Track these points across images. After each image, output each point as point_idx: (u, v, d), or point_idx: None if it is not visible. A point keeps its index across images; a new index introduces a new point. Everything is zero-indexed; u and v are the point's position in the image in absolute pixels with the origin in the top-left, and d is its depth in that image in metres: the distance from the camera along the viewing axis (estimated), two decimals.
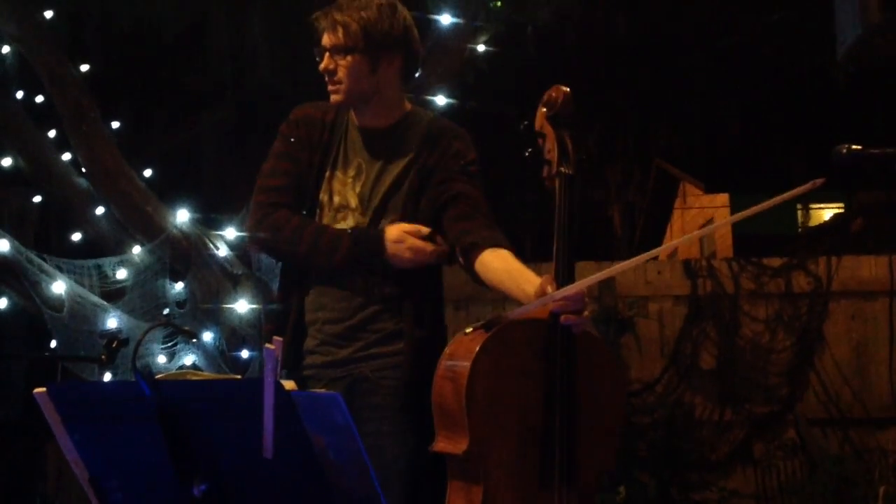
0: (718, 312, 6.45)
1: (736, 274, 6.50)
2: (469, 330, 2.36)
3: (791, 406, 6.33)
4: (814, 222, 15.98)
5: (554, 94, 2.46)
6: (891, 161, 2.22)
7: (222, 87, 8.09)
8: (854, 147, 2.23)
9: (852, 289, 6.49)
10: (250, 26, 7.44)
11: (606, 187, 15.91)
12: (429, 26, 5.76)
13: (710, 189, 16.83)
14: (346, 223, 2.73)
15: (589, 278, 2.31)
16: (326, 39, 2.72)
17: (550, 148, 2.40)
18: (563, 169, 2.37)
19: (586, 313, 2.31)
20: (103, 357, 2.96)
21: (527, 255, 2.61)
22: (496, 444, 2.26)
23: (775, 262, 6.56)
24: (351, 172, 2.77)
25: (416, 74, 2.86)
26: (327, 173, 2.78)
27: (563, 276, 2.33)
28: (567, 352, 2.30)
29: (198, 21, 7.44)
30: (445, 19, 5.67)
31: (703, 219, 18.25)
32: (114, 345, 2.97)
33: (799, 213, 16.44)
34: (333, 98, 2.76)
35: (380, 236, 2.65)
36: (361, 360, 2.67)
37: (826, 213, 16.35)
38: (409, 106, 2.86)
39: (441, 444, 2.34)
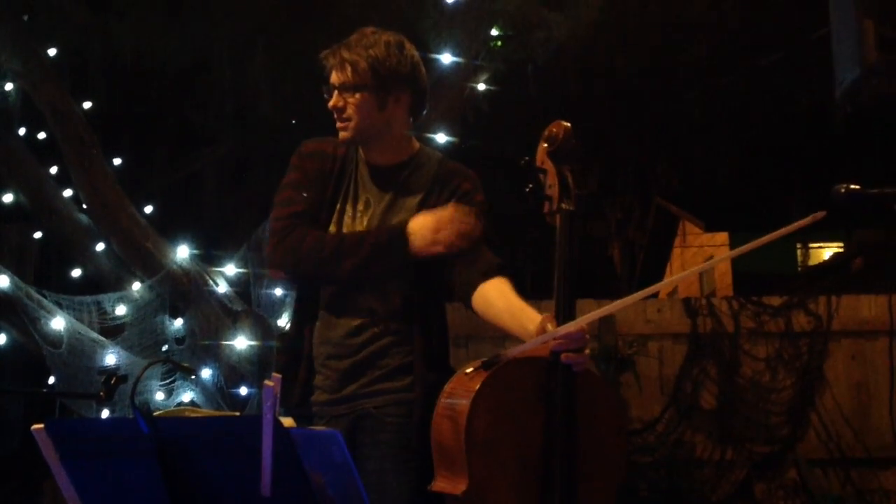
0: (719, 351, 6.43)
1: (736, 312, 6.50)
2: (469, 370, 2.35)
3: (792, 446, 6.30)
4: (813, 261, 15.99)
5: (555, 130, 2.45)
6: (889, 200, 2.23)
7: (223, 124, 8.13)
8: (852, 187, 2.23)
9: (852, 328, 6.48)
10: (252, 63, 7.50)
11: (606, 225, 15.95)
12: (429, 65, 5.80)
13: (710, 227, 16.86)
14: None
15: (589, 315, 2.31)
16: (335, 77, 2.73)
17: (552, 184, 2.39)
18: (563, 205, 2.37)
19: (587, 351, 2.31)
20: (102, 394, 2.95)
21: (527, 292, 2.60)
22: (495, 484, 2.24)
23: (775, 300, 6.56)
24: (360, 207, 2.77)
25: (424, 112, 2.87)
26: (338, 206, 2.79)
27: (564, 314, 2.32)
28: (567, 391, 2.29)
29: (200, 57, 7.49)
30: (446, 58, 5.71)
31: (702, 257, 18.27)
32: (112, 381, 2.95)
33: (799, 252, 16.47)
34: (342, 135, 2.77)
35: (403, 227, 2.64)
36: (365, 395, 2.66)
37: (826, 252, 16.37)
38: (417, 145, 2.87)
39: (440, 484, 2.32)
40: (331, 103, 2.76)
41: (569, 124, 2.43)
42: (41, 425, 1.96)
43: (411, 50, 2.77)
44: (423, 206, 2.73)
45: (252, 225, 6.02)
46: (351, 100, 2.72)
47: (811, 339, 6.45)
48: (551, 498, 2.26)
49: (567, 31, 6.15)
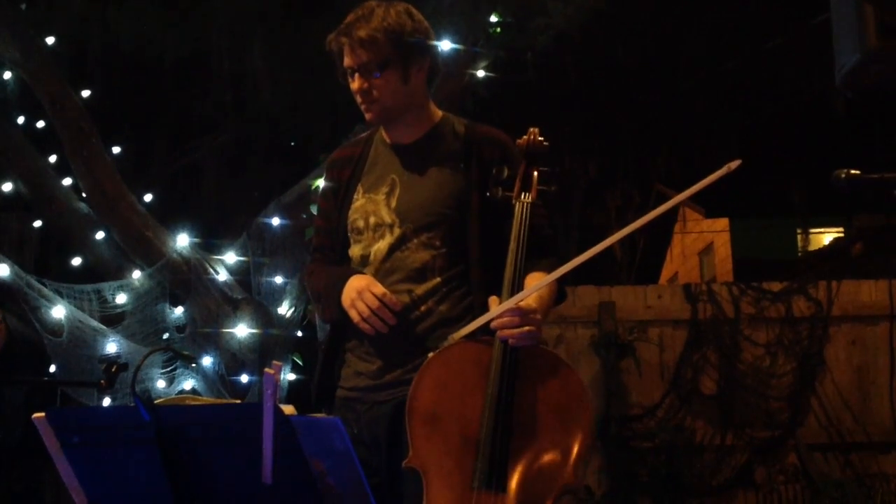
0: (719, 337, 6.44)
1: (736, 298, 6.50)
2: (430, 354, 2.45)
3: (792, 431, 6.31)
4: (814, 247, 16.00)
5: (527, 135, 2.63)
6: (889, 185, 2.23)
7: (223, 112, 8.11)
8: (853, 172, 2.23)
9: (852, 313, 6.48)
10: (251, 51, 7.48)
11: (606, 212, 15.93)
12: None
13: (711, 213, 16.87)
14: (384, 241, 2.70)
15: (523, 292, 2.40)
16: (351, 59, 2.67)
17: (518, 177, 2.57)
18: (522, 197, 2.53)
19: (527, 328, 2.37)
20: (103, 382, 2.95)
21: None
22: (436, 458, 2.37)
23: (775, 286, 6.56)
24: (384, 190, 2.72)
25: (438, 77, 2.84)
26: (357, 199, 2.76)
27: (512, 293, 2.43)
28: (504, 366, 2.37)
29: (199, 46, 7.48)
30: (445, 45, 5.69)
31: (702, 243, 18.28)
32: (113, 369, 2.96)
33: (799, 237, 16.46)
34: (369, 117, 2.71)
35: (347, 277, 2.64)
36: (409, 381, 2.61)
37: (826, 237, 16.37)
38: (439, 114, 2.81)
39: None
40: (355, 87, 2.69)
41: (537, 132, 2.62)
42: (42, 414, 1.97)
43: (419, 14, 2.72)
44: (455, 173, 2.69)
45: (252, 213, 6.01)
46: (375, 80, 2.66)
47: (811, 324, 6.46)
48: (482, 472, 2.34)
49: (567, 18, 6.12)
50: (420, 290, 2.65)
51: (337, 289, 2.64)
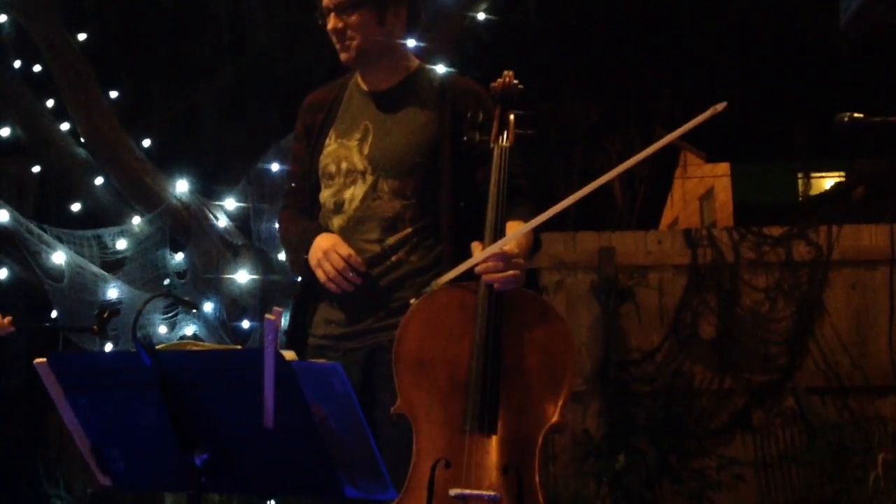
0: (718, 282, 6.44)
1: (736, 243, 6.49)
2: (413, 300, 2.49)
3: (790, 375, 6.34)
4: (815, 191, 15.94)
5: (501, 78, 2.65)
6: (892, 129, 2.22)
7: (221, 56, 8.05)
8: (856, 115, 2.22)
9: (853, 258, 6.47)
10: None
11: (607, 157, 15.87)
12: None
13: (712, 158, 16.79)
14: (357, 188, 2.70)
15: (506, 237, 2.44)
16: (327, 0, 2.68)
17: (495, 122, 2.58)
18: (500, 142, 2.54)
19: (511, 272, 2.40)
20: (95, 328, 2.97)
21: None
22: (424, 402, 2.41)
23: (776, 231, 6.55)
24: (357, 136, 2.73)
25: (419, 24, 2.83)
26: (329, 143, 2.76)
27: (494, 237, 2.46)
28: (490, 310, 2.40)
29: None
30: None
31: (703, 188, 18.23)
32: (105, 315, 2.98)
33: (800, 181, 16.41)
34: (344, 58, 2.72)
35: (315, 233, 2.68)
36: (380, 329, 2.65)
37: (827, 181, 16.32)
38: (415, 62, 2.82)
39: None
40: (329, 26, 2.71)
41: (511, 75, 2.64)
42: (43, 359, 1.98)
43: None
44: (431, 122, 2.69)
45: (251, 158, 5.98)
46: (350, 20, 2.67)
47: (811, 268, 6.45)
48: (474, 405, 2.38)
49: None
50: (391, 240, 2.68)
51: (304, 245, 2.67)
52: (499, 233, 2.46)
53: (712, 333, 6.40)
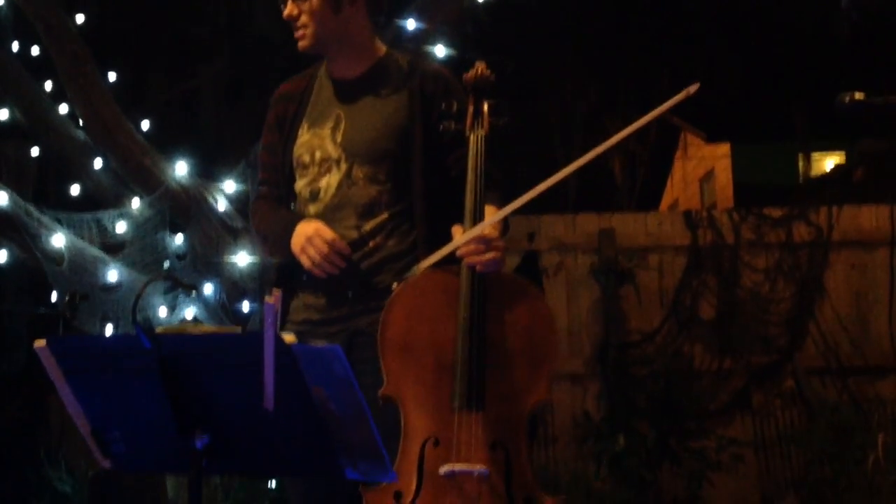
0: (718, 263, 6.44)
1: (737, 224, 6.49)
2: (394, 285, 2.53)
3: (790, 356, 6.35)
4: (815, 172, 15.94)
5: (474, 69, 2.67)
6: (893, 110, 2.21)
7: (220, 39, 8.03)
8: (856, 95, 2.21)
9: (853, 238, 6.48)
10: None
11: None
12: None
13: (712, 138, 16.78)
14: (331, 176, 2.73)
15: (486, 221, 2.48)
16: None
17: (469, 111, 2.63)
18: (476, 130, 2.58)
19: (492, 254, 2.45)
20: (67, 314, 2.99)
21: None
22: (411, 385, 2.46)
23: (776, 212, 6.55)
24: (329, 124, 2.76)
25: (383, 13, 2.85)
26: (302, 133, 2.78)
27: (474, 221, 2.50)
28: (474, 292, 2.45)
29: None
30: None
31: (703, 169, 18.22)
32: (76, 299, 2.99)
33: (801, 162, 16.40)
34: (300, 45, 2.76)
35: (296, 222, 2.69)
36: (359, 314, 2.69)
37: (828, 162, 16.31)
38: (382, 49, 2.84)
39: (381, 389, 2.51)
40: (285, 13, 2.75)
41: (484, 65, 2.67)
42: (43, 342, 1.98)
43: None
44: (400, 108, 2.71)
45: (250, 140, 5.97)
46: (305, 6, 2.70)
47: (811, 249, 6.46)
48: (460, 393, 2.42)
49: None
50: (368, 225, 2.71)
51: (287, 234, 2.68)
52: (478, 217, 2.50)
53: (712, 315, 6.41)
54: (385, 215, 2.71)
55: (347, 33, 2.74)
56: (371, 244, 2.70)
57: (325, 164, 2.74)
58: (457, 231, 2.52)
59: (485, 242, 2.45)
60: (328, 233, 2.63)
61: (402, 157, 2.71)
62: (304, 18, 2.71)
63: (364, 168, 2.71)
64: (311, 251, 2.61)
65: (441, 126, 2.64)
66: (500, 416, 2.44)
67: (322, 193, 2.74)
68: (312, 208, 2.75)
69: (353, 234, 2.70)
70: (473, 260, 2.45)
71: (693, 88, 2.41)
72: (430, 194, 2.70)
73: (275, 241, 2.79)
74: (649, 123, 2.57)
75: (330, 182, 2.73)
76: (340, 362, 1.91)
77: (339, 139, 2.74)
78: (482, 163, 2.55)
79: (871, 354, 6.34)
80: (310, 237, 2.62)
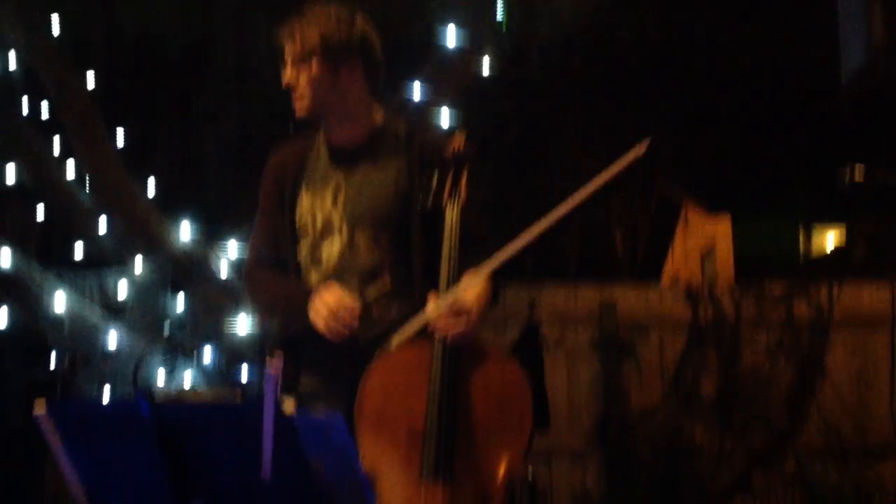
0: (720, 339, 6.41)
1: (737, 301, 6.46)
2: (375, 359, 2.55)
3: (792, 436, 6.28)
4: (816, 246, 15.97)
5: (452, 143, 2.70)
6: (893, 187, 2.23)
7: (227, 102, 8.11)
8: (857, 172, 2.23)
9: (854, 317, 6.45)
10: (254, 39, 7.47)
11: (608, 208, 15.93)
12: (433, 47, 5.78)
13: (713, 211, 16.82)
14: (333, 242, 2.75)
15: (455, 289, 2.51)
16: (287, 50, 2.78)
17: (447, 183, 2.66)
18: (454, 202, 2.62)
19: (462, 324, 2.47)
20: (65, 377, 2.98)
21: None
22: (385, 458, 2.46)
23: (777, 288, 6.52)
24: (330, 190, 2.78)
25: (381, 85, 2.88)
26: (302, 200, 2.79)
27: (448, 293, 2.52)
28: (444, 363, 2.46)
29: (203, 35, 7.47)
30: (450, 41, 5.69)
31: (704, 241, 18.25)
32: (76, 363, 2.99)
33: (801, 236, 16.44)
34: (297, 111, 2.80)
35: (309, 293, 2.67)
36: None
37: (829, 236, 16.35)
38: (380, 117, 2.86)
39: None
40: (284, 80, 2.79)
41: (462, 137, 2.71)
42: (42, 406, 1.97)
43: (362, 21, 2.80)
44: (399, 174, 2.74)
45: (254, 204, 5.99)
46: (303, 73, 2.73)
47: (812, 327, 6.43)
48: (428, 463, 2.41)
49: (571, 13, 6.12)
50: (371, 291, 2.71)
51: (301, 302, 2.66)
52: (451, 286, 2.53)
53: (713, 393, 6.35)
54: (387, 283, 2.72)
55: (345, 101, 2.77)
56: (374, 314, 2.71)
57: (327, 230, 2.77)
58: (431, 297, 2.54)
59: (455, 313, 2.47)
60: (349, 300, 2.62)
61: (402, 223, 2.73)
62: (302, 85, 2.75)
63: (366, 234, 2.73)
64: (333, 322, 2.60)
65: (419, 199, 2.67)
66: (470, 488, 2.42)
67: (324, 259, 2.76)
68: (315, 274, 2.76)
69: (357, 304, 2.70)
70: (443, 331, 2.47)
71: (642, 148, 2.47)
72: (430, 262, 2.71)
73: (284, 310, 2.78)
74: (606, 185, 2.58)
75: (332, 247, 2.76)
76: (340, 432, 1.91)
77: (340, 205, 2.76)
78: (457, 232, 2.58)
79: (873, 436, 6.27)
80: (332, 310, 2.60)
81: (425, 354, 2.50)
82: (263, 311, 2.88)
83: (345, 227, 2.74)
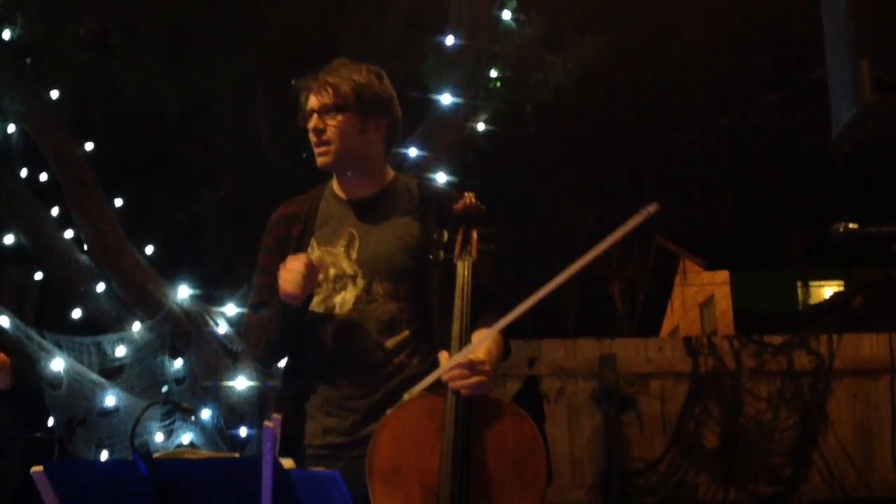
0: (720, 390, 6.41)
1: (737, 351, 6.48)
2: (388, 412, 2.51)
3: (795, 486, 6.25)
4: (814, 300, 15.98)
5: (463, 202, 2.71)
6: (888, 238, 2.24)
7: (224, 165, 8.16)
8: (851, 226, 2.24)
9: (854, 367, 6.46)
10: (252, 105, 7.54)
11: (606, 263, 15.96)
12: (429, 105, 5.84)
13: (711, 266, 16.87)
14: (347, 292, 2.74)
15: (471, 345, 2.49)
16: (314, 101, 2.76)
17: (458, 240, 2.68)
18: (465, 258, 2.62)
19: (476, 378, 2.43)
20: (63, 439, 2.96)
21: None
22: None
23: (776, 339, 6.54)
24: (342, 242, 2.77)
25: (396, 145, 2.91)
26: (312, 252, 2.78)
27: (461, 346, 2.50)
28: (459, 416, 2.44)
29: (201, 100, 7.54)
30: (446, 99, 5.75)
31: (703, 296, 18.27)
32: (74, 424, 2.97)
33: (799, 290, 16.45)
34: (321, 161, 2.78)
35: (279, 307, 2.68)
36: None
37: (826, 290, 16.36)
38: (392, 173, 2.89)
39: None
40: (311, 124, 2.77)
41: (472, 196, 2.72)
42: (41, 468, 1.95)
43: (388, 80, 2.82)
44: (412, 225, 2.76)
45: (252, 265, 6.01)
46: (332, 122, 2.74)
47: (813, 377, 6.43)
48: None
49: (565, 72, 6.19)
50: (391, 343, 2.70)
51: (280, 311, 2.67)
52: (464, 342, 2.51)
53: (715, 443, 6.33)
54: (406, 332, 2.71)
55: (367, 154, 2.78)
56: (395, 362, 2.69)
57: (340, 281, 2.75)
58: (443, 356, 2.52)
59: (469, 367, 2.45)
60: (299, 259, 2.61)
61: (419, 274, 2.73)
62: (329, 134, 2.74)
63: (384, 284, 2.72)
64: (285, 275, 2.58)
65: (431, 255, 2.68)
66: None
67: (337, 309, 2.74)
68: (328, 325, 2.74)
69: (378, 355, 2.68)
70: (458, 385, 2.44)
71: (652, 208, 2.45)
72: (447, 315, 2.70)
73: (271, 319, 2.74)
74: (620, 245, 2.59)
75: (346, 298, 2.73)
76: (339, 488, 1.89)
77: (354, 256, 2.75)
78: (469, 289, 2.57)
79: (876, 485, 6.24)
80: (286, 266, 2.59)
81: (438, 408, 2.47)
82: (259, 347, 2.80)
83: (360, 278, 2.73)
